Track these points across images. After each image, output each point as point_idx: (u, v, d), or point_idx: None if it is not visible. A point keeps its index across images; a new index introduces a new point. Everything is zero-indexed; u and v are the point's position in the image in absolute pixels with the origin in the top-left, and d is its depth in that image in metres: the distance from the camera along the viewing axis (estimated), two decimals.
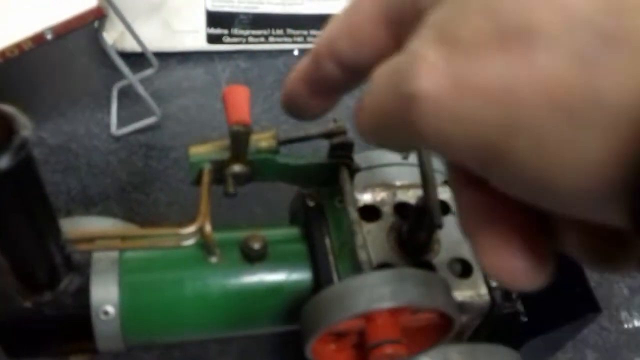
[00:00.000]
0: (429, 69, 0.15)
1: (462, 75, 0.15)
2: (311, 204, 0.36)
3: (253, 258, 0.33)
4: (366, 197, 0.37)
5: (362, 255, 0.32)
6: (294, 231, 0.36)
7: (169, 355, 0.45)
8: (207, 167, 0.33)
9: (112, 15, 0.51)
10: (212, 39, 0.64)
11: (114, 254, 0.32)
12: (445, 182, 0.39)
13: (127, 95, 0.59)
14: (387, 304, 0.27)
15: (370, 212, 0.37)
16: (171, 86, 0.62)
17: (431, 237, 0.34)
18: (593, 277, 0.53)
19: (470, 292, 0.34)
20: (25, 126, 0.21)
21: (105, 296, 0.31)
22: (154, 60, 0.57)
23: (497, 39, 0.14)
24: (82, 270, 0.31)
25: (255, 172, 0.35)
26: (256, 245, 0.33)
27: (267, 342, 0.46)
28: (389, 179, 0.41)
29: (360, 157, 0.42)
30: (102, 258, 0.32)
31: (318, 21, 0.65)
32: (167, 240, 0.32)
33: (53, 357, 0.35)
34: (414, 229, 0.34)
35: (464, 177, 0.18)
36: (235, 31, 0.64)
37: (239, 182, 0.34)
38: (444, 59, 0.15)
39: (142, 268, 0.32)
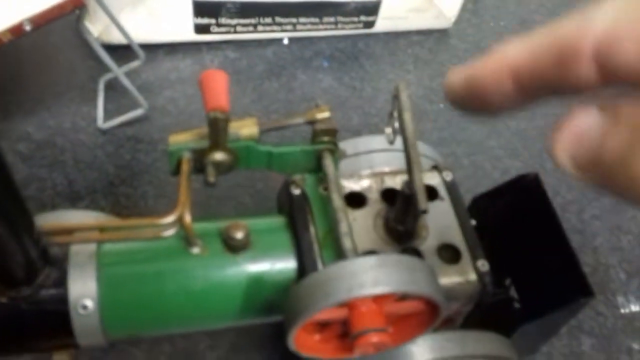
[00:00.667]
0: None
1: None
2: (295, 191, 0.35)
3: (236, 248, 0.32)
4: (352, 184, 0.37)
5: (346, 243, 0.31)
6: (279, 220, 0.35)
7: (159, 349, 0.44)
8: (186, 156, 0.32)
9: (97, 7, 0.50)
10: (199, 29, 0.63)
11: (92, 247, 0.31)
12: (434, 168, 0.38)
13: (114, 88, 0.58)
14: (368, 291, 0.26)
15: (357, 199, 0.36)
16: (159, 78, 0.61)
17: (417, 223, 0.34)
18: (588, 262, 0.52)
19: (459, 278, 0.33)
20: None
21: (84, 290, 0.30)
22: (140, 52, 0.56)
23: None
24: (60, 263, 0.30)
25: (236, 160, 0.34)
26: (238, 235, 0.32)
27: (257, 335, 0.45)
28: (376, 165, 0.40)
29: (347, 144, 0.41)
30: (80, 251, 0.31)
31: (307, 9, 0.64)
32: (147, 232, 0.32)
33: (34, 354, 0.34)
34: (400, 215, 0.33)
35: None
36: (222, 20, 0.63)
37: (220, 170, 0.34)
38: None
39: (121, 260, 0.32)
